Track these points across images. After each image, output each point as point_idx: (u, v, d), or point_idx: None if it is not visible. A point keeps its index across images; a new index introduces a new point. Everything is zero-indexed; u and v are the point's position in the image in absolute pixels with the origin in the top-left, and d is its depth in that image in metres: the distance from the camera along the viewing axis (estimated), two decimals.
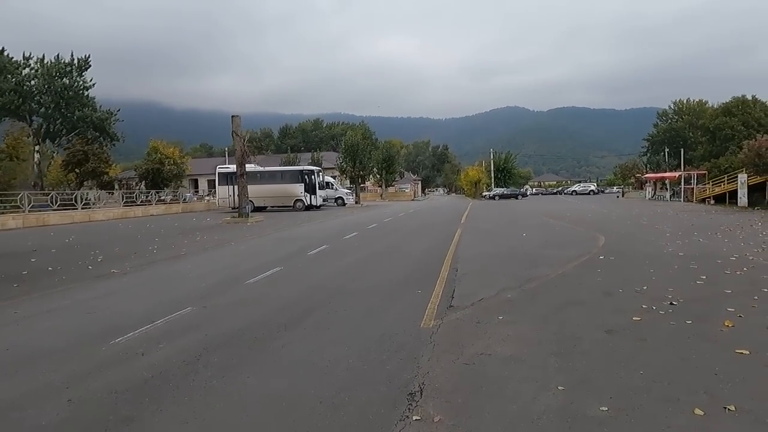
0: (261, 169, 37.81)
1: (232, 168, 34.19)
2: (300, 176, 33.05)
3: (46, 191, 26.67)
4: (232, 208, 29.85)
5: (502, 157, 73.33)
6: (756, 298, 5.94)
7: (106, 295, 7.22)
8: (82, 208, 25.03)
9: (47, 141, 48.96)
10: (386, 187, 59.35)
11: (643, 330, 4.77)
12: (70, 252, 12.12)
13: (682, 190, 41.20)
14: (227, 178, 32.97)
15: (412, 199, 60.48)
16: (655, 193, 48.84)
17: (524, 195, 62.79)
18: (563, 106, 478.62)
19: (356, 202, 42.13)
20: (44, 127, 51.07)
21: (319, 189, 33.41)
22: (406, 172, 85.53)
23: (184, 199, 37.83)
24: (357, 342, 4.68)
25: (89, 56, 53.30)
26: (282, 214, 28.55)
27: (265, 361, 4.24)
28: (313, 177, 32.73)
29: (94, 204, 27.87)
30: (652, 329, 4.79)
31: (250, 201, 32.50)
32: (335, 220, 22.41)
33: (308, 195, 32.40)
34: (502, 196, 57.94)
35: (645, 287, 6.70)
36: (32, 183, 40.21)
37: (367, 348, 4.48)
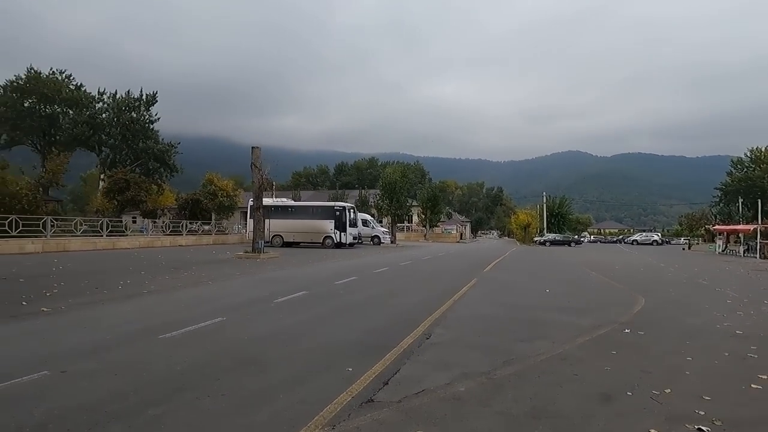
0: (293, 203, 37.25)
1: (266, 201, 33.77)
2: (331, 212, 31.96)
3: (71, 217, 26.88)
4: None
5: (556, 202, 69.72)
6: None
7: None
8: (108, 236, 24.94)
9: (113, 170, 51.39)
10: (431, 227, 57.39)
11: None
12: (36, 281, 11.23)
13: (758, 245, 36.56)
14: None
15: (458, 241, 58.04)
16: (726, 247, 43.96)
17: (578, 242, 58.79)
18: (628, 152, 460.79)
19: (392, 242, 40.46)
20: (110, 157, 54.00)
21: (351, 226, 32.08)
22: (454, 213, 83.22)
23: (219, 230, 37.67)
24: None
25: (156, 92, 56.43)
26: (306, 251, 27.38)
27: None
28: (344, 214, 31.54)
29: (125, 232, 27.85)
30: None
31: (279, 235, 31.94)
32: (350, 261, 20.85)
33: (338, 232, 31.15)
34: (553, 243, 54.53)
35: (668, 389, 4.60)
36: (95, 209, 41.66)
37: None
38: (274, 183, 74.46)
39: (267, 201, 34.31)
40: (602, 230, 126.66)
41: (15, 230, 20.19)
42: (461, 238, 64.42)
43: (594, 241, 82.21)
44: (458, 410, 4.05)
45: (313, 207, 35.41)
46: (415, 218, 65.20)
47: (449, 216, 74.52)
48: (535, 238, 59.86)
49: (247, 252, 21.19)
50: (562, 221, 68.46)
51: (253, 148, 21.90)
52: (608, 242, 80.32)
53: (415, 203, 62.20)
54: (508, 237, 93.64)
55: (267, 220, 31.51)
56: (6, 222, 20.14)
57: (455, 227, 64.71)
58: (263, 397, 4.28)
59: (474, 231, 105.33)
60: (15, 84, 49.64)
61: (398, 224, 54.62)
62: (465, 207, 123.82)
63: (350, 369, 5.10)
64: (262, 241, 21.46)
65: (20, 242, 19.95)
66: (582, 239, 74.20)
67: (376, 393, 4.42)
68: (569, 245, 53.39)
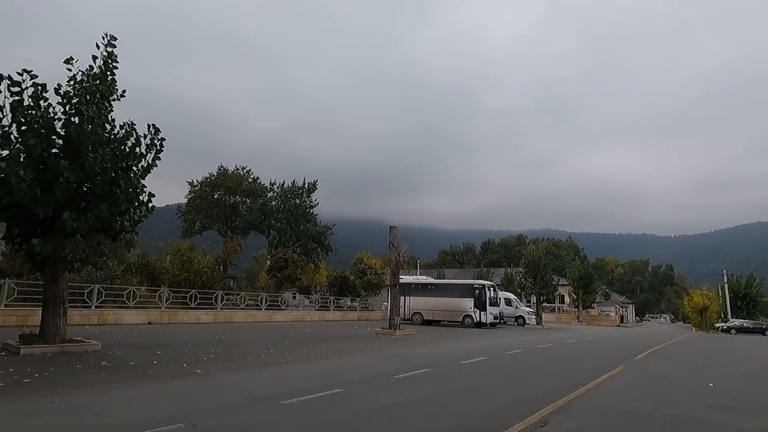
0: (432, 281, 37.50)
1: (406, 279, 34.67)
2: (470, 290, 31.44)
3: (237, 292, 30.42)
4: (403, 319, 29.42)
5: (741, 282, 59.46)
6: None
7: (141, 397, 7.09)
8: (265, 310, 27.73)
9: (276, 250, 58.01)
10: (584, 308, 52.69)
11: None
12: (199, 348, 12.92)
13: None
14: (401, 289, 33.23)
15: (617, 325, 52.08)
16: None
17: None
18: None
19: (537, 323, 37.92)
20: (276, 238, 61.18)
21: (492, 305, 31.04)
22: (613, 294, 75.52)
23: (364, 307, 39.33)
24: None
25: (317, 181, 63.48)
26: (443, 330, 27.07)
27: None
28: (483, 292, 30.79)
29: (281, 306, 30.60)
30: None
31: (419, 313, 32.23)
32: (484, 341, 20.05)
33: (478, 311, 30.36)
34: (741, 330, 46.04)
35: None
36: (261, 286, 46.93)
37: None
38: (419, 261, 76.30)
39: (407, 279, 35.26)
40: None
41: (194, 302, 23.68)
42: (622, 322, 57.71)
43: None
44: None
45: (452, 285, 35.25)
46: (566, 298, 60.68)
47: (606, 296, 67.80)
48: (717, 324, 51.21)
49: (384, 328, 21.78)
50: (752, 305, 57.84)
51: (390, 227, 23.13)
52: None
53: (564, 282, 58.13)
54: (683, 322, 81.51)
55: (407, 298, 32.24)
56: (187, 295, 23.77)
57: (614, 309, 58.36)
58: None
59: (639, 314, 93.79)
60: (209, 180, 60.07)
61: (547, 304, 51.25)
62: (627, 287, 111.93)
63: None
64: (398, 318, 21.91)
65: (197, 313, 23.23)
66: None
67: None
68: (763, 334, 44.50)
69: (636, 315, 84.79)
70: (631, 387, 9.77)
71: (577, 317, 52.12)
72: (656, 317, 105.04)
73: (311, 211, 61.93)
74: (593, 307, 56.46)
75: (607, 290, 74.33)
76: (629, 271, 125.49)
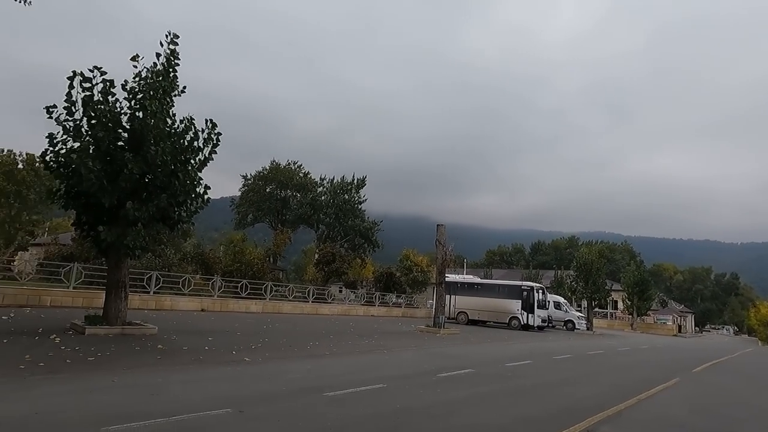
0: (478, 280, 36.94)
1: (452, 277, 34.38)
2: (518, 292, 30.79)
3: (286, 284, 31.12)
4: (448, 318, 29.20)
5: None
6: None
7: (193, 381, 7.41)
8: (312, 302, 28.26)
9: (324, 244, 59.06)
10: (638, 315, 50.46)
11: None
12: (249, 336, 13.33)
13: None
14: (447, 288, 32.96)
15: (675, 335, 49.56)
16: None
17: None
18: None
19: (588, 328, 36.62)
20: (325, 233, 62.25)
21: (540, 308, 30.27)
22: (671, 302, 71.85)
23: (408, 304, 39.36)
24: None
25: (365, 177, 63.93)
26: (489, 330, 26.68)
27: None
28: (531, 294, 30.07)
29: (327, 299, 31.06)
30: None
31: (464, 312, 31.93)
32: (531, 344, 19.62)
33: (525, 313, 29.70)
34: None
35: None
36: (309, 278, 47.99)
37: None
38: (465, 260, 75.42)
39: (453, 277, 34.97)
40: None
41: (244, 292, 24.46)
42: (679, 332, 54.86)
43: None
44: None
45: (499, 285, 34.60)
46: (620, 304, 58.32)
47: (663, 304, 64.59)
48: None
49: (428, 326, 21.71)
50: None
51: (438, 225, 22.98)
52: None
53: (618, 287, 55.85)
54: (748, 335, 76.59)
55: (453, 297, 31.99)
56: (239, 285, 24.59)
57: (671, 318, 55.56)
58: None
59: (699, 324, 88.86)
60: (261, 174, 61.80)
61: (599, 310, 49.45)
62: (686, 295, 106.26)
63: None
64: (443, 317, 21.76)
65: (247, 303, 23.97)
66: None
67: None
68: None
69: (695, 325, 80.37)
70: (687, 400, 9.29)
71: (631, 324, 49.99)
72: (718, 329, 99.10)
73: (359, 206, 62.43)
74: (649, 315, 53.96)
75: (665, 297, 70.80)
76: (689, 278, 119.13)
